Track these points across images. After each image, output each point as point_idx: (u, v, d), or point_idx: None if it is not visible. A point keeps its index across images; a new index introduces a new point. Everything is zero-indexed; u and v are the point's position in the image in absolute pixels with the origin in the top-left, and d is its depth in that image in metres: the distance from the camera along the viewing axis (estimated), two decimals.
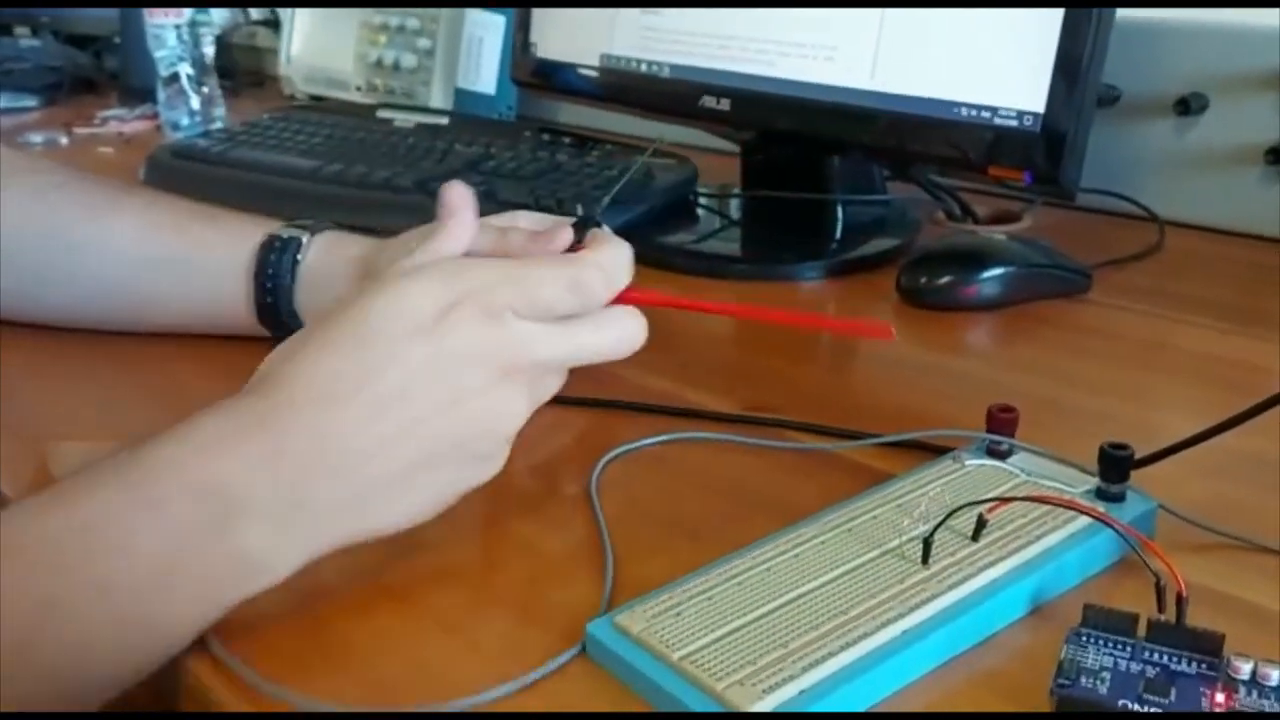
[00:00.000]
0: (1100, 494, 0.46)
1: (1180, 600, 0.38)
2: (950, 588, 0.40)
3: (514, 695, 0.38)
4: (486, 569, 0.46)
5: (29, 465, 0.53)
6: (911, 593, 0.40)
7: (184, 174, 0.98)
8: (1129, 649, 0.39)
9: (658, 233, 0.86)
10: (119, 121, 1.35)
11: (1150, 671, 0.38)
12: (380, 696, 0.39)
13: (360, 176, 0.90)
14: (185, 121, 1.24)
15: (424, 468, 0.44)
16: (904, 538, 0.43)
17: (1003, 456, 0.50)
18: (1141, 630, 0.39)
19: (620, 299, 0.50)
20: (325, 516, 0.42)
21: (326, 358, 0.44)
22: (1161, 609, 0.39)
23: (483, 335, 0.44)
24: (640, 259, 0.84)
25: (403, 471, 0.43)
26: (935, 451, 0.52)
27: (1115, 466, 0.46)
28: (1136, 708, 0.36)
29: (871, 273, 0.82)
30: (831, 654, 0.37)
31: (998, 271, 0.73)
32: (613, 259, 0.50)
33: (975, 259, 0.74)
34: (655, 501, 0.51)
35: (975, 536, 0.43)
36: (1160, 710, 0.36)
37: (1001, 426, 0.50)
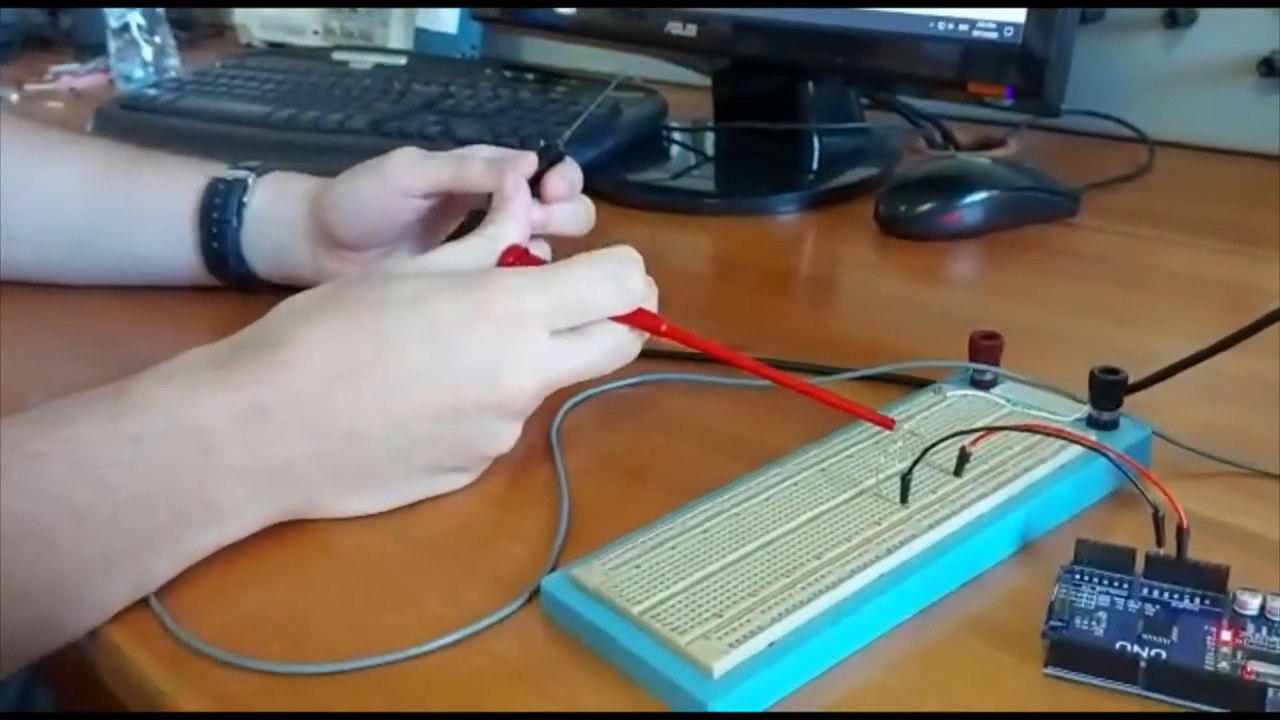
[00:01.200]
0: (1092, 422, 0.43)
1: (1181, 532, 0.35)
2: (930, 527, 0.37)
3: (455, 650, 0.36)
4: (433, 520, 0.43)
5: None
6: (889, 534, 0.37)
7: (132, 125, 0.93)
8: (1126, 586, 0.36)
9: (626, 170, 0.82)
10: (72, 77, 1.30)
11: (1150, 609, 0.35)
12: (311, 654, 0.36)
13: (313, 120, 0.86)
14: (139, 74, 1.20)
15: (401, 468, 0.42)
16: (881, 476, 0.40)
17: (987, 387, 0.47)
18: (1139, 566, 0.36)
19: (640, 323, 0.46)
20: (292, 486, 0.41)
21: (341, 331, 0.41)
22: (1160, 542, 0.36)
23: (497, 351, 0.42)
24: (609, 197, 0.82)
25: (380, 467, 0.42)
26: (916, 385, 0.49)
27: (1107, 392, 0.43)
28: (1136, 649, 0.33)
29: (849, 203, 0.78)
30: (803, 602, 0.34)
31: (980, 196, 0.70)
32: (638, 257, 0.46)
33: (956, 184, 0.71)
34: (621, 447, 0.48)
35: (958, 471, 0.40)
36: (1162, 651, 0.33)
37: (985, 355, 0.47)
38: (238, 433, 0.39)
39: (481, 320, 0.41)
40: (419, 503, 0.43)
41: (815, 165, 0.83)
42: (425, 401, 0.41)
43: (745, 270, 0.69)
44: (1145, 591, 0.36)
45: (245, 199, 0.60)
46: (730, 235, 0.75)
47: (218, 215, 0.60)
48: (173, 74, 1.19)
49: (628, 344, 0.46)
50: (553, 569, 0.38)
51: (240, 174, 0.61)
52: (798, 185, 0.80)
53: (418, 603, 0.38)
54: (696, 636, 0.33)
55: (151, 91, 0.99)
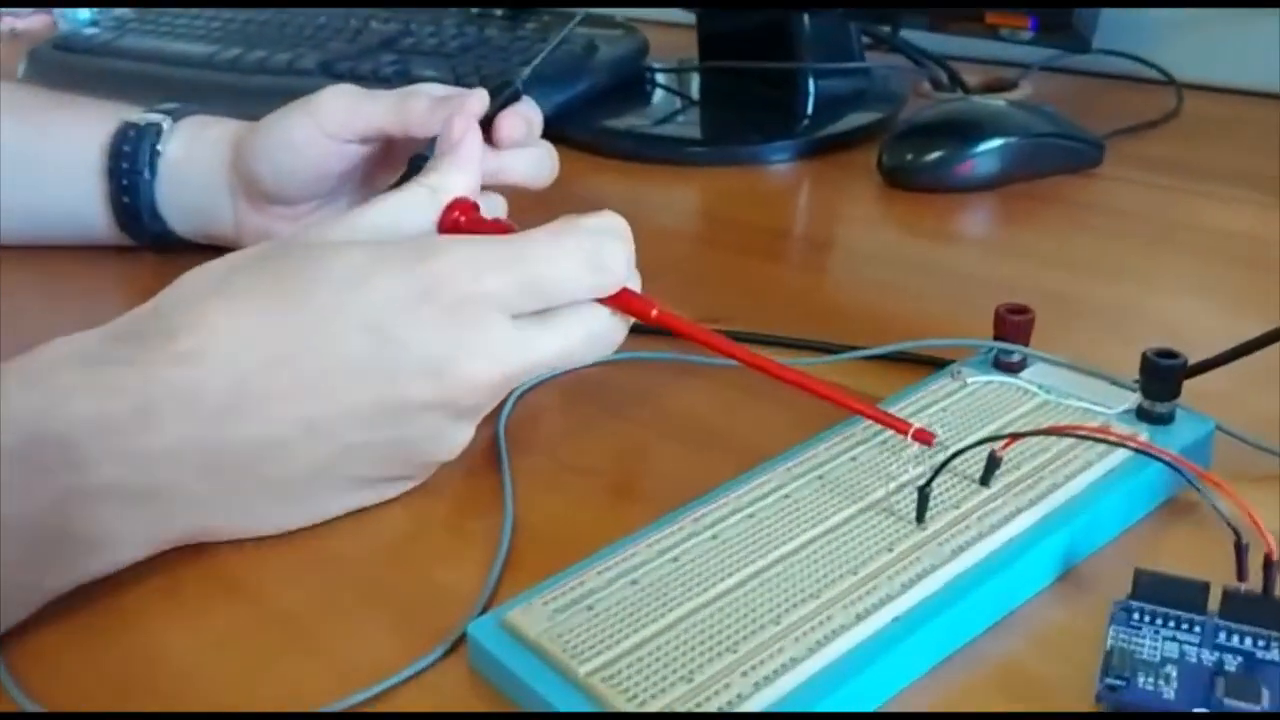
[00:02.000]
0: (1144, 415, 0.36)
1: (1270, 564, 0.28)
2: (954, 554, 0.30)
3: (367, 707, 0.28)
4: (352, 542, 0.35)
5: None
6: (904, 564, 0.30)
7: (67, 67, 0.86)
8: (1199, 630, 0.29)
9: (602, 115, 0.75)
10: (14, 18, 1.21)
11: (1231, 662, 0.28)
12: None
13: (260, 61, 0.78)
14: (84, 15, 1.11)
15: (323, 482, 0.35)
16: (892, 485, 0.33)
17: (1015, 369, 0.40)
18: (1213, 602, 0.29)
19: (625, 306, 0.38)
20: (185, 507, 0.33)
21: (257, 316, 0.33)
22: (1242, 575, 0.29)
23: (447, 339, 0.34)
24: (582, 146, 0.74)
25: (297, 481, 0.34)
26: (930, 367, 0.42)
27: (1163, 379, 0.36)
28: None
29: (849, 152, 0.71)
30: (796, 659, 0.27)
31: (996, 143, 0.63)
32: (623, 229, 0.38)
33: (969, 130, 0.63)
34: (581, 445, 0.40)
35: (985, 480, 0.33)
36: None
37: (1013, 332, 0.40)
38: (116, 445, 0.31)
39: (428, 303, 0.34)
40: (338, 520, 0.36)
41: (811, 110, 0.75)
42: (357, 403, 0.33)
43: (733, 228, 0.61)
44: (1223, 637, 0.29)
45: (159, 146, 0.53)
46: (717, 188, 0.68)
47: (128, 166, 0.53)
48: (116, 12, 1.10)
49: (609, 330, 0.38)
50: (486, 607, 0.31)
51: (154, 118, 0.53)
52: (792, 132, 0.72)
53: (324, 648, 0.31)
54: (661, 710, 0.26)
55: (89, 31, 0.91)
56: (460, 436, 0.36)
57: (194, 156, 0.53)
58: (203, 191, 0.53)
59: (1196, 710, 0.26)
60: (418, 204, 0.39)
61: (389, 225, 0.37)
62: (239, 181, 0.51)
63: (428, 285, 0.34)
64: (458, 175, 0.40)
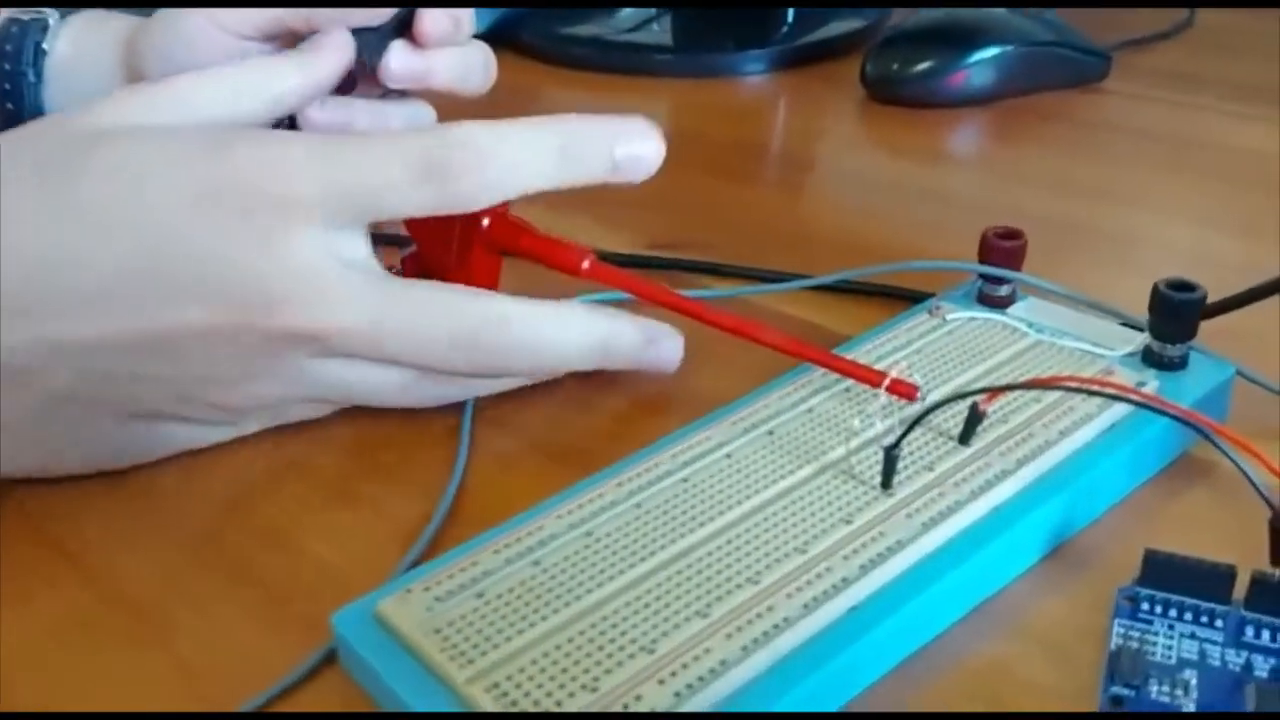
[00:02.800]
0: (1152, 358, 0.31)
1: None
2: (925, 527, 0.25)
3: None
4: (220, 513, 0.30)
5: None
6: (863, 540, 0.25)
7: None
8: (1221, 624, 0.24)
9: (561, 21, 0.69)
10: None
11: (1261, 665, 0.23)
12: None
13: None
14: None
15: (101, 411, 0.29)
16: (855, 443, 0.28)
17: (1003, 305, 0.34)
18: (1240, 590, 0.24)
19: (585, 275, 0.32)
20: None
21: (9, 211, 0.27)
22: (1277, 559, 0.24)
23: (232, 255, 0.28)
24: (539, 54, 0.68)
25: (60, 408, 0.28)
26: (905, 300, 0.37)
27: (1177, 316, 0.30)
28: None
29: (831, 62, 0.66)
30: (725, 663, 0.22)
31: (992, 53, 0.57)
32: (502, 138, 0.30)
33: (962, 37, 0.57)
34: (504, 400, 0.35)
35: (965, 438, 0.28)
36: None
37: (1002, 259, 0.34)
38: None
39: (216, 206, 0.27)
40: (196, 483, 0.31)
41: (790, 15, 0.69)
42: (117, 328, 0.27)
43: (703, 145, 0.55)
44: (1252, 634, 0.23)
45: (45, 45, 0.47)
46: (687, 102, 0.62)
47: (10, 67, 0.46)
48: None
49: (515, 322, 0.30)
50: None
51: (40, 14, 0.47)
52: (769, 40, 0.66)
53: (166, 643, 0.26)
54: None
55: None
56: (257, 386, 0.29)
57: (84, 56, 0.47)
58: (94, 96, 0.47)
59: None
60: (255, 82, 0.33)
61: (225, 105, 0.32)
62: (131, 84, 0.45)
63: (217, 184, 0.28)
64: (325, 56, 0.34)
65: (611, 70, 0.65)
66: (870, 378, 0.29)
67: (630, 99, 0.62)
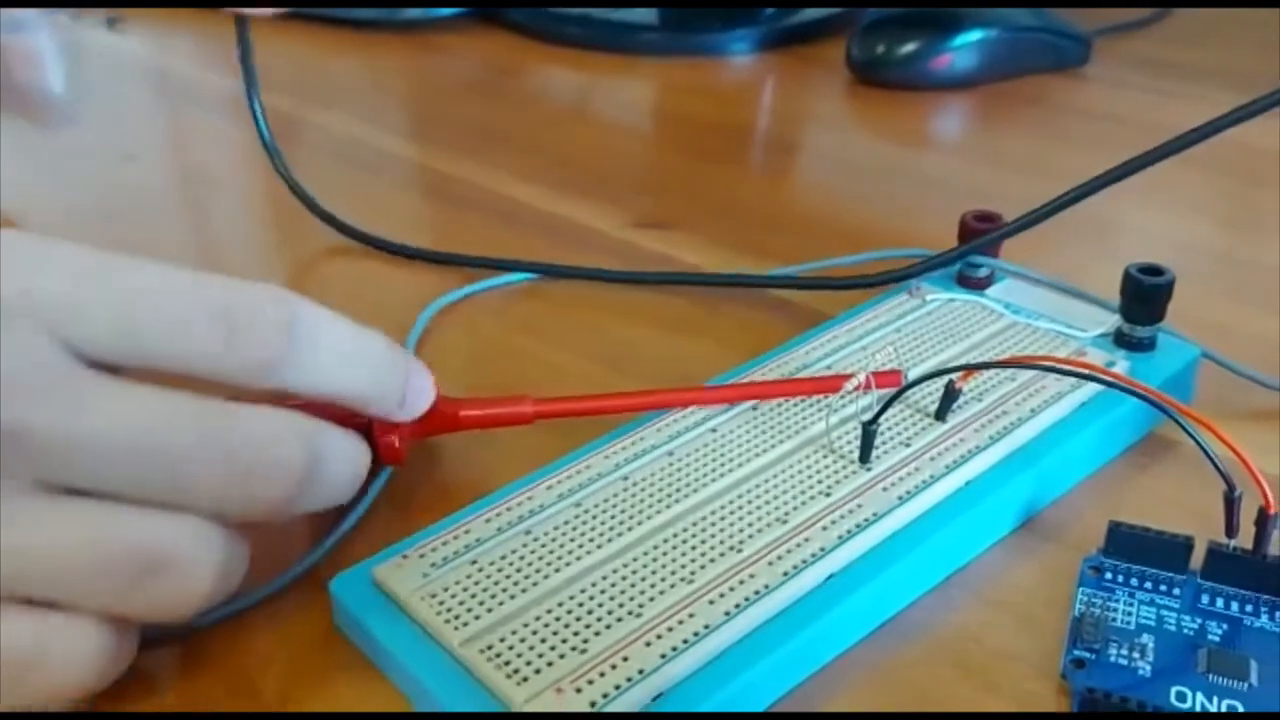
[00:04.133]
0: (1123, 340, 0.32)
1: (1264, 519, 0.24)
2: (901, 500, 0.26)
3: None
4: None
5: None
6: (841, 511, 0.26)
7: None
8: (1179, 592, 0.25)
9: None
10: None
11: (1215, 631, 0.24)
12: None
13: None
14: None
15: None
16: (834, 420, 0.29)
17: (981, 286, 0.35)
18: (1196, 561, 0.25)
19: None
20: None
21: None
22: (1232, 530, 0.25)
23: None
24: (524, 31, 0.68)
25: None
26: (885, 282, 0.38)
27: (1145, 299, 0.32)
28: (1202, 700, 0.22)
29: (816, 43, 0.66)
30: (709, 627, 0.23)
31: (976, 36, 0.58)
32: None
33: (947, 21, 0.58)
34: (489, 370, 0.36)
35: (940, 415, 0.29)
36: (1237, 703, 0.22)
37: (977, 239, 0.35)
38: None
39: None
40: None
41: None
42: None
43: (687, 126, 0.56)
44: (1207, 601, 0.25)
45: None
46: (671, 81, 0.62)
47: None
48: None
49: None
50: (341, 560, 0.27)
51: None
52: (754, 19, 0.67)
53: None
54: (544, 687, 0.22)
55: None
56: None
57: None
58: None
59: (1175, 690, 0.23)
60: None
61: None
62: None
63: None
64: None
65: (598, 49, 0.66)
66: (835, 385, 0.29)
67: (616, 77, 0.63)
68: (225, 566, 0.22)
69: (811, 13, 0.67)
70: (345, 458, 0.24)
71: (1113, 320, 0.32)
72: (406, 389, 0.26)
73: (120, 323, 0.21)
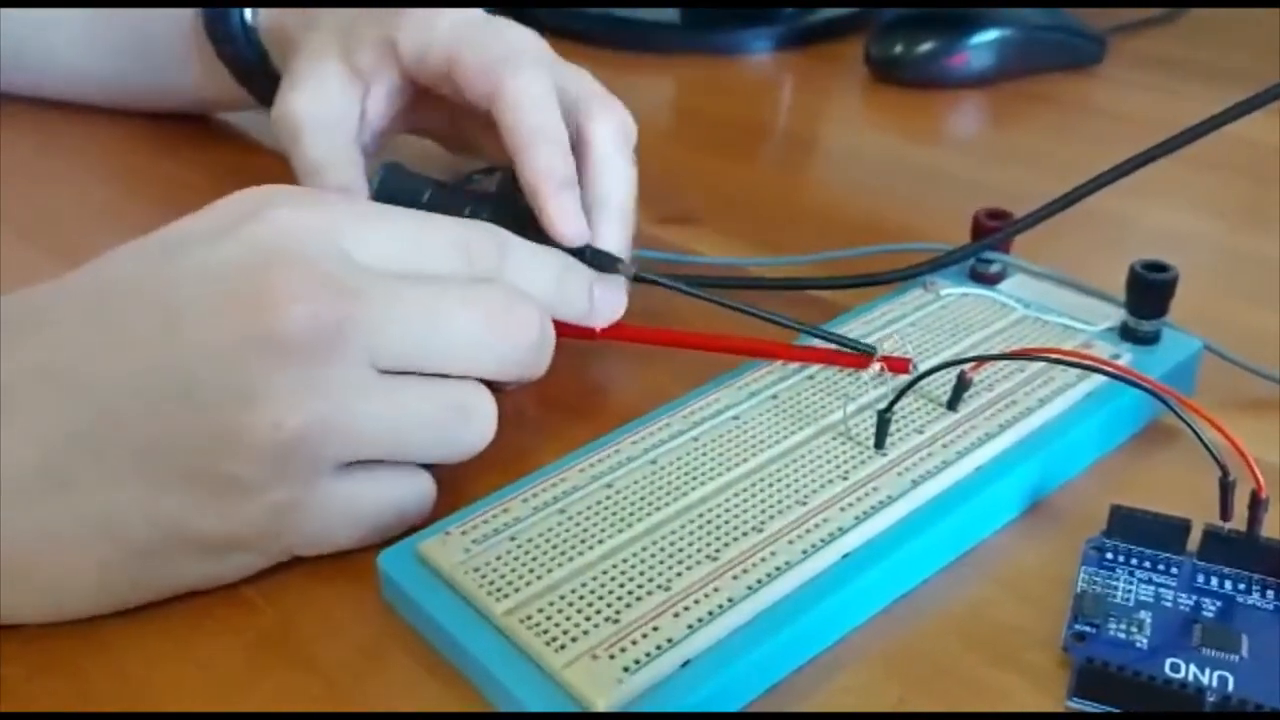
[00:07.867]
0: (1128, 333, 0.33)
1: (1256, 503, 0.26)
2: (915, 484, 0.28)
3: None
4: None
5: None
6: (858, 494, 0.27)
7: None
8: (1176, 572, 0.26)
9: None
10: None
11: (1209, 607, 0.26)
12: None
13: None
14: None
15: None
16: (851, 408, 0.30)
17: (993, 281, 0.37)
18: (1193, 543, 0.27)
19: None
20: None
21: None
22: (1226, 514, 0.26)
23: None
24: (548, 29, 0.69)
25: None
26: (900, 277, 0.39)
27: (1149, 294, 0.33)
28: (1195, 672, 0.24)
29: (835, 42, 0.68)
30: (733, 600, 0.24)
31: (992, 36, 0.59)
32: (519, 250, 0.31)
33: (964, 21, 0.60)
34: None
35: (953, 404, 0.30)
36: (1228, 674, 0.24)
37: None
38: None
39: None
40: None
41: None
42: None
43: (708, 123, 0.58)
44: (1202, 580, 0.26)
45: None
46: (692, 79, 0.64)
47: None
48: None
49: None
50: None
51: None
52: (775, 19, 0.68)
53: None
54: (580, 654, 0.23)
55: None
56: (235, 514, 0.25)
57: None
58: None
59: (1170, 662, 0.24)
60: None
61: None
62: None
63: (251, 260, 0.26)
64: None
65: (619, 47, 0.67)
66: (858, 362, 0.31)
67: (638, 76, 0.65)
68: (495, 421, 0.29)
69: (830, 12, 0.69)
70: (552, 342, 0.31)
71: (1119, 314, 0.34)
72: (592, 298, 0.33)
73: (399, 242, 0.28)
